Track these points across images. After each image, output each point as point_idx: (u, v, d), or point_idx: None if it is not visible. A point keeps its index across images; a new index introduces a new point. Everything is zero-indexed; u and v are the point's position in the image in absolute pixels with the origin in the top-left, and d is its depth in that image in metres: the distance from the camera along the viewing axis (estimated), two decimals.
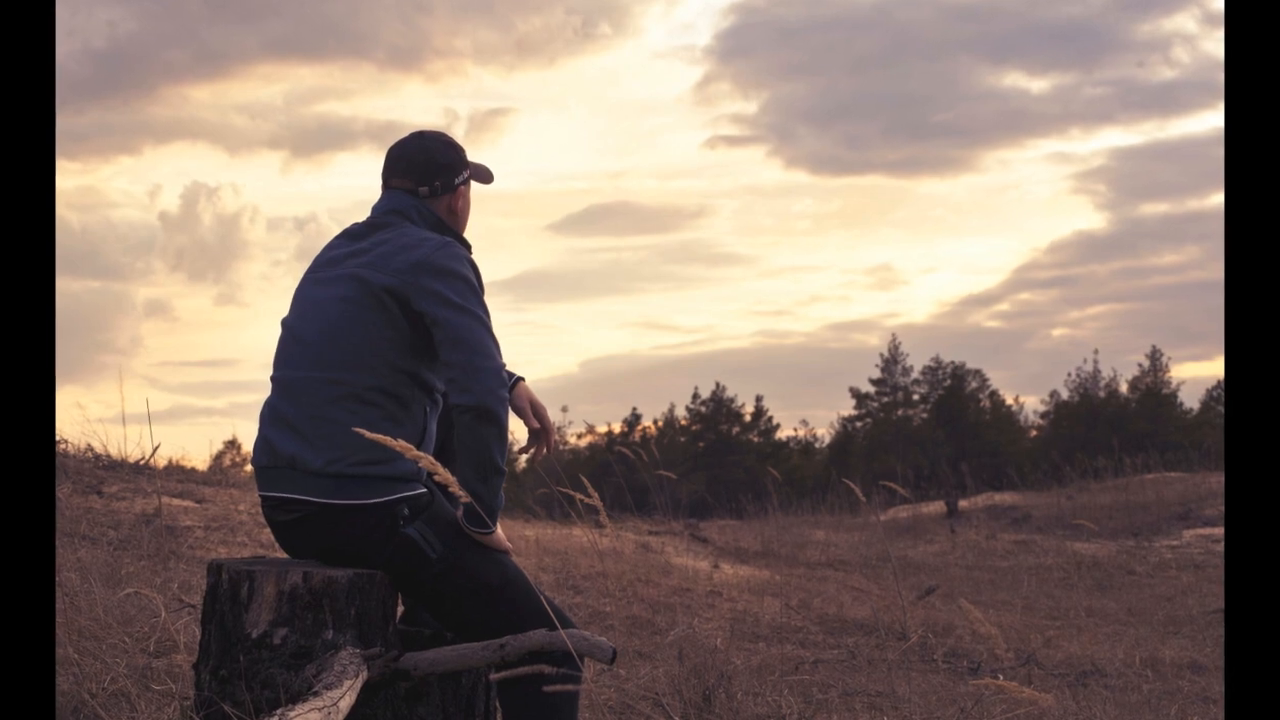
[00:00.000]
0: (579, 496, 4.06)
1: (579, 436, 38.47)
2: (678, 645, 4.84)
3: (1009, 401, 40.48)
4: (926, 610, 6.76)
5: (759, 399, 40.86)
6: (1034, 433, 39.81)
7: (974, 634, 5.73)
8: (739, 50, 60.97)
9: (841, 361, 55.12)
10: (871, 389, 40.35)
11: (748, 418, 40.68)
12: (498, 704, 2.81)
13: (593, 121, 67.37)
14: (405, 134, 3.02)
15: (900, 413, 39.70)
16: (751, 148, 62.43)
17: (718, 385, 40.77)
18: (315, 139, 61.10)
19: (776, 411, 41.14)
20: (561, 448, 36.28)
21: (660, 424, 40.86)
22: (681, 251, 63.02)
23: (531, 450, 2.99)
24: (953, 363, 40.32)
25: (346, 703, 2.37)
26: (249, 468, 8.95)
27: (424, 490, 2.76)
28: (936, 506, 14.89)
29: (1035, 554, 10.33)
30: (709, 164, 63.24)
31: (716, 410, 40.47)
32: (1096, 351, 46.41)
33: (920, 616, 6.42)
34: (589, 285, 62.90)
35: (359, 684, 2.47)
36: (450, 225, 2.95)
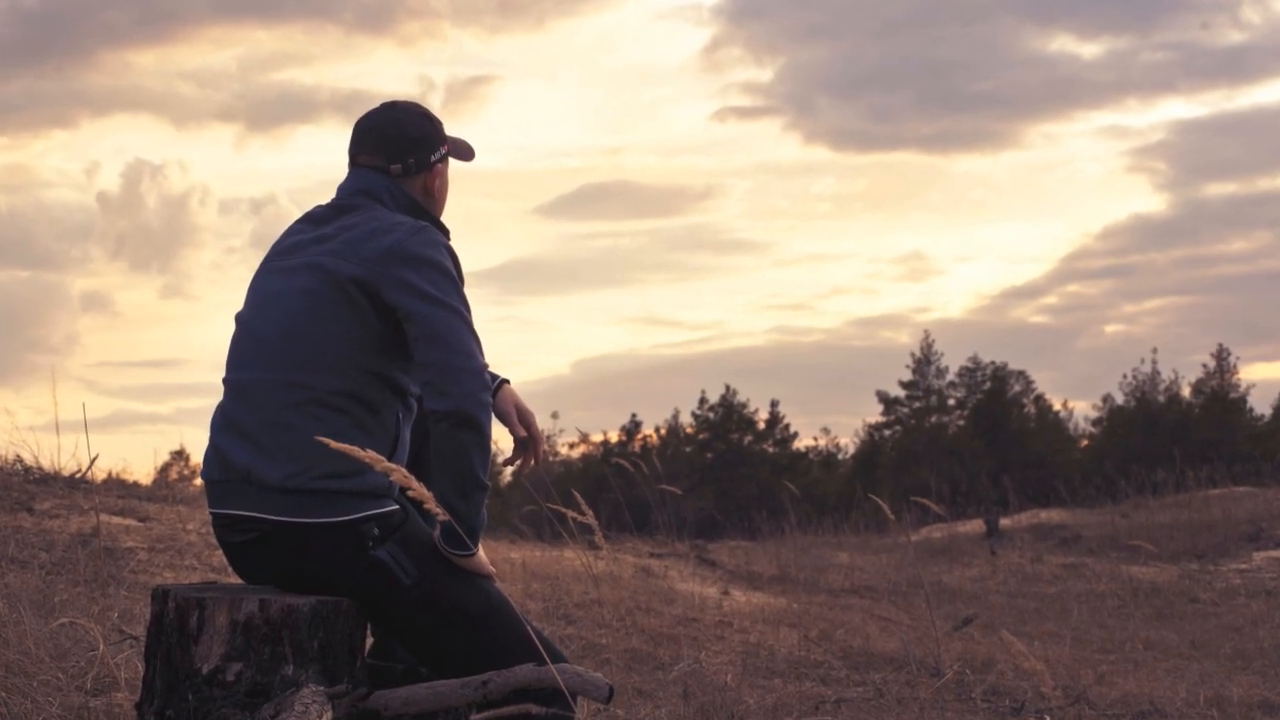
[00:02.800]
0: (571, 514, 4.07)
1: (571, 446, 38.62)
2: (682, 682, 4.85)
3: (1056, 407, 40.59)
4: (963, 642, 6.77)
5: (774, 404, 40.98)
6: (1084, 442, 39.88)
7: (1017, 669, 5.73)
8: (751, 10, 61.07)
9: (867, 362, 55.24)
10: (901, 393, 40.41)
11: (761, 425, 40.74)
12: None
13: (587, 91, 67.53)
14: (375, 105, 3.03)
15: (934, 419, 39.73)
16: (766, 120, 62.71)
17: (727, 388, 40.87)
18: (273, 111, 61.23)
19: (794, 418, 41.24)
20: (551, 459, 36.38)
21: (663, 432, 40.93)
22: (687, 237, 63.11)
23: (518, 462, 3.00)
24: (993, 363, 40.39)
25: None
26: (198, 481, 8.93)
27: (396, 507, 2.77)
28: (975, 525, 14.91)
29: (1086, 579, 10.34)
30: (718, 139, 63.38)
31: (726, 417, 40.52)
32: (1155, 350, 46.57)
33: (956, 649, 6.42)
34: (582, 276, 62.99)
35: None
36: (426, 208, 2.96)
